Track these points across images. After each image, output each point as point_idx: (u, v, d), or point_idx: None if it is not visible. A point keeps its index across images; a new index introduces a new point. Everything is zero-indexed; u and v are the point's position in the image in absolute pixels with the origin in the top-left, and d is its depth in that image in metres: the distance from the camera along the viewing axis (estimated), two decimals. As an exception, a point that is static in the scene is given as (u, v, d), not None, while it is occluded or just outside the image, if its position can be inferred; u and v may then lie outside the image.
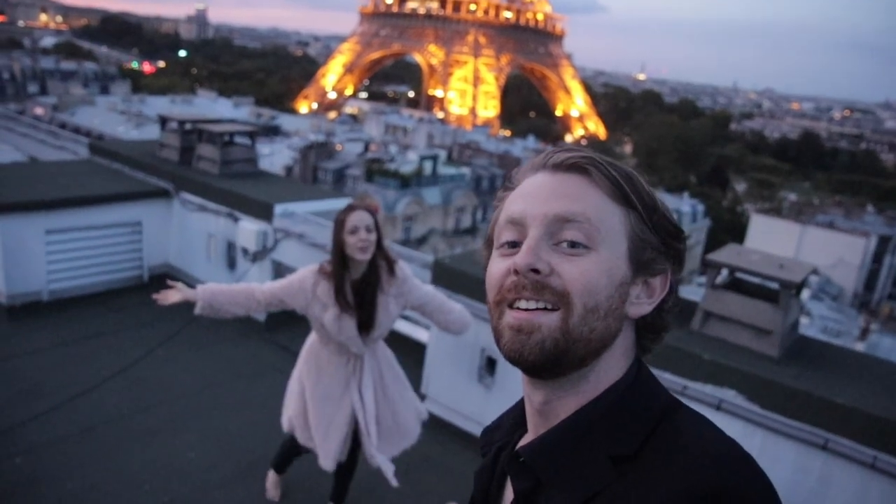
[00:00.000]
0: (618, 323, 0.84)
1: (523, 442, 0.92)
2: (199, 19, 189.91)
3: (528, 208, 0.85)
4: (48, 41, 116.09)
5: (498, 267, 0.87)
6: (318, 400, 3.09)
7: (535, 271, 0.81)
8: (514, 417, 1.00)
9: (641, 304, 0.87)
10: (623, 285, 0.84)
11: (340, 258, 2.86)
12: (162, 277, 6.85)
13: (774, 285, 3.71)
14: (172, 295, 2.79)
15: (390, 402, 3.23)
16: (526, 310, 0.82)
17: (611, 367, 0.86)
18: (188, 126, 7.27)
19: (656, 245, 0.86)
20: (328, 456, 3.11)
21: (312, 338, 3.19)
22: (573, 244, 0.82)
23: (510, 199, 0.90)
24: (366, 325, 2.96)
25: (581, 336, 0.81)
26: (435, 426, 4.77)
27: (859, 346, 23.42)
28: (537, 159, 0.90)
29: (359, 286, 2.92)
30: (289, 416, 3.29)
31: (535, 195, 0.86)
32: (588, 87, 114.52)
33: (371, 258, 2.86)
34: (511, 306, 0.84)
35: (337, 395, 3.09)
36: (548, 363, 0.82)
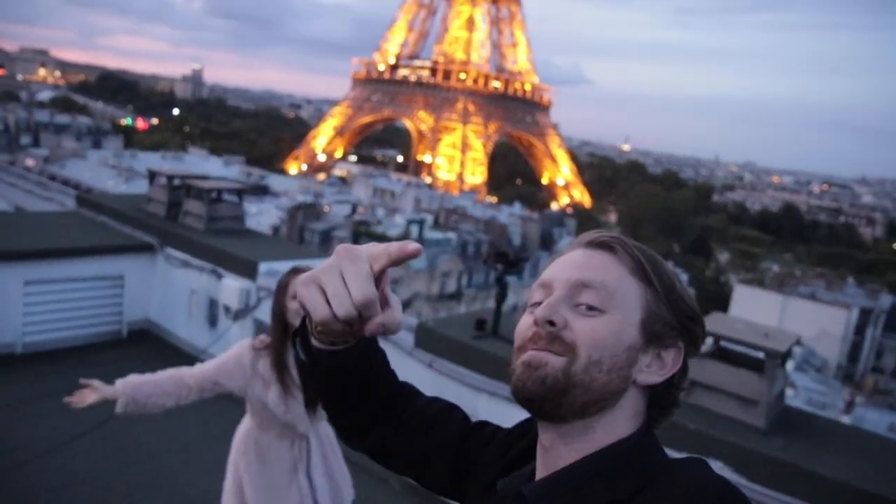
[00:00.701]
0: (621, 382, 0.90)
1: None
2: (195, 79, 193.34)
3: (556, 274, 0.96)
4: (45, 95, 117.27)
5: (525, 320, 0.97)
6: (263, 492, 2.78)
7: (552, 323, 0.90)
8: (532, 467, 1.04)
9: (651, 373, 0.93)
10: (631, 349, 0.91)
11: (283, 327, 2.62)
12: (141, 333, 6.78)
13: (760, 354, 3.70)
14: (88, 395, 2.51)
15: (334, 482, 2.96)
16: (537, 349, 0.91)
17: (617, 426, 0.92)
18: (177, 181, 7.29)
19: (670, 321, 0.93)
20: None
21: (247, 425, 2.86)
22: (590, 307, 0.91)
23: (546, 268, 1.02)
24: (312, 401, 2.63)
25: (581, 382, 0.88)
26: (415, 494, 4.63)
27: (845, 419, 23.26)
28: (576, 239, 1.02)
29: None
30: None
31: (564, 264, 0.97)
32: (574, 157, 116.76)
33: None
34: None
35: (283, 484, 2.79)
36: (545, 398, 0.89)
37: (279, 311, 2.62)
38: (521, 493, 0.93)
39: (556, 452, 0.93)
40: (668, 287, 0.94)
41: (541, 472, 0.96)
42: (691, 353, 0.96)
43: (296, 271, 2.63)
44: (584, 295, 0.91)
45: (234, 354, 2.70)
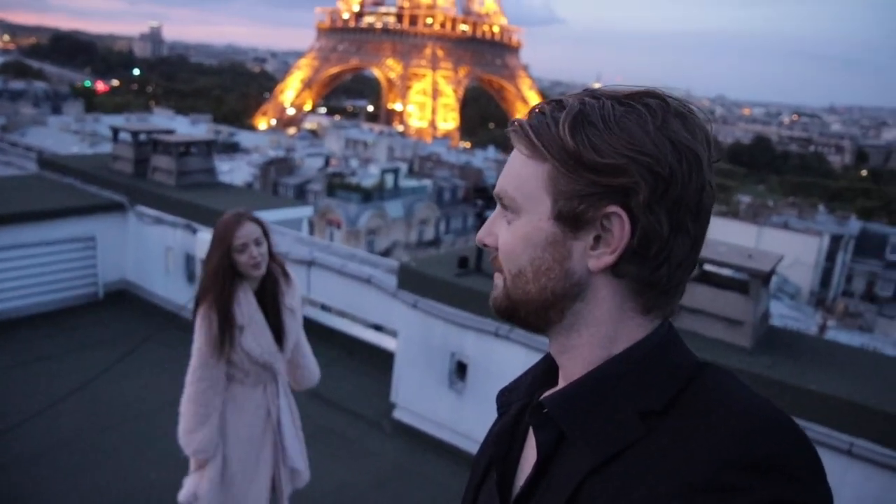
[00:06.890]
0: (560, 281, 0.82)
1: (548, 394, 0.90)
2: (154, 37, 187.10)
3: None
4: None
5: None
6: (243, 445, 2.78)
7: (485, 245, 0.90)
8: (532, 377, 0.97)
9: (601, 255, 0.80)
10: (552, 245, 0.82)
11: (230, 276, 2.62)
12: (118, 294, 6.65)
13: (743, 276, 3.70)
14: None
15: (297, 425, 2.99)
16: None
17: (601, 322, 0.83)
18: (143, 137, 7.06)
19: (584, 190, 0.78)
20: (261, 497, 2.83)
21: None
22: (511, 214, 0.86)
23: None
24: (278, 337, 2.77)
25: (518, 298, 0.86)
26: (406, 434, 4.66)
27: (818, 343, 23.86)
28: None
29: (259, 297, 2.73)
30: (194, 489, 2.74)
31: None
32: (545, 97, 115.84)
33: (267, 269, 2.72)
34: None
35: (259, 432, 2.82)
36: (508, 318, 0.90)
37: (225, 260, 2.61)
38: (540, 403, 0.84)
39: (562, 360, 0.87)
40: (566, 151, 0.78)
41: (561, 383, 0.89)
42: (640, 209, 0.77)
43: (235, 221, 2.63)
44: (506, 203, 0.86)
45: (206, 325, 2.64)
